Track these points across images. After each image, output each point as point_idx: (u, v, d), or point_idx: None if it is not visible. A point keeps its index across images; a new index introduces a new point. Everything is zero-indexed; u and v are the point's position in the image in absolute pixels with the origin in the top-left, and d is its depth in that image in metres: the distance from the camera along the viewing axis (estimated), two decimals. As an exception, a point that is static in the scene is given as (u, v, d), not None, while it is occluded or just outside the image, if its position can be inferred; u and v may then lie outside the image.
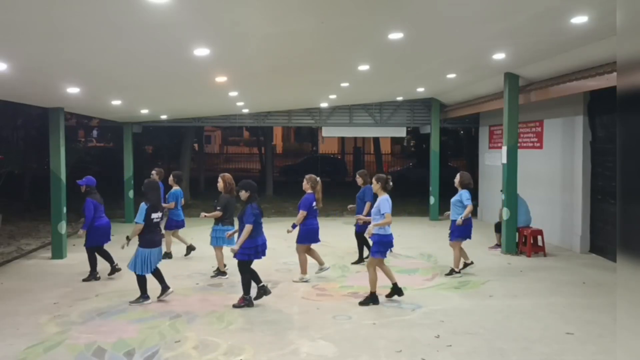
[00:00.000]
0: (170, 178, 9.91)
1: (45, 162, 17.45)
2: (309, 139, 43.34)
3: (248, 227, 6.87)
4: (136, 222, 7.01)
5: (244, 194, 7.05)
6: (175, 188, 9.87)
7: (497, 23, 6.25)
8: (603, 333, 5.97)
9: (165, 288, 7.31)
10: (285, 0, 4.87)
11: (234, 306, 6.96)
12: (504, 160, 10.45)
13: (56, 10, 4.42)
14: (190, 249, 10.14)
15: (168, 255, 9.87)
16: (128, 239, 7.17)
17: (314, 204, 8.30)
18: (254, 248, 6.96)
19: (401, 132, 16.82)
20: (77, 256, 10.31)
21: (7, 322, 6.44)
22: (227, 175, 8.68)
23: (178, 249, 10.25)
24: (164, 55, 6.52)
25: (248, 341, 5.77)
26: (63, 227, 10.22)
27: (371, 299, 7.09)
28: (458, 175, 8.93)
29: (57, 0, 4.20)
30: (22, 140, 19.48)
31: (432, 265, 9.51)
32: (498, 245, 10.79)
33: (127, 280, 8.45)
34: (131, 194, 15.09)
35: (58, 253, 10.15)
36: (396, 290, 7.25)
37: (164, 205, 9.17)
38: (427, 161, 16.16)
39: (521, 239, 10.45)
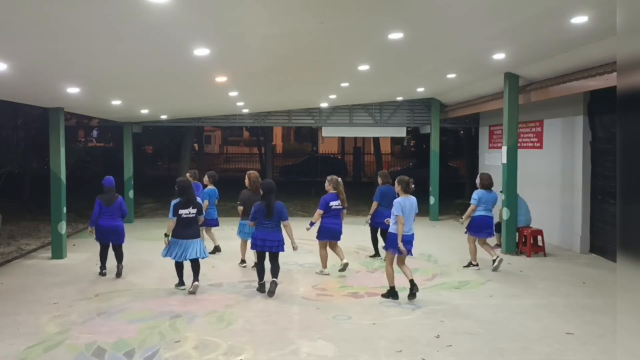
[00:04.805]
0: (205, 178, 10.36)
1: (45, 162, 17.45)
2: (309, 139, 43.28)
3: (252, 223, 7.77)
4: (169, 219, 7.70)
5: (260, 192, 7.89)
6: (210, 187, 10.24)
7: (497, 23, 6.25)
8: (603, 333, 5.98)
9: (181, 283, 8.00)
10: (285, 0, 4.87)
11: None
12: (504, 160, 10.46)
13: (56, 11, 4.42)
14: (216, 249, 10.42)
15: (217, 248, 10.39)
16: (166, 235, 7.71)
17: (336, 203, 8.68)
18: (259, 240, 7.66)
19: (401, 132, 16.82)
20: (77, 256, 10.32)
21: (7, 322, 6.44)
22: (254, 173, 9.21)
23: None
24: (164, 55, 6.52)
25: (248, 341, 5.77)
26: (63, 227, 10.22)
27: (391, 293, 7.36)
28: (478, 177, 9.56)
29: (56, 0, 4.19)
30: (22, 140, 19.47)
31: (432, 265, 9.51)
32: (498, 246, 10.78)
33: (128, 280, 8.48)
34: (131, 194, 15.07)
35: (58, 253, 10.15)
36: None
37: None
38: (427, 161, 16.16)
39: (521, 239, 10.45)
